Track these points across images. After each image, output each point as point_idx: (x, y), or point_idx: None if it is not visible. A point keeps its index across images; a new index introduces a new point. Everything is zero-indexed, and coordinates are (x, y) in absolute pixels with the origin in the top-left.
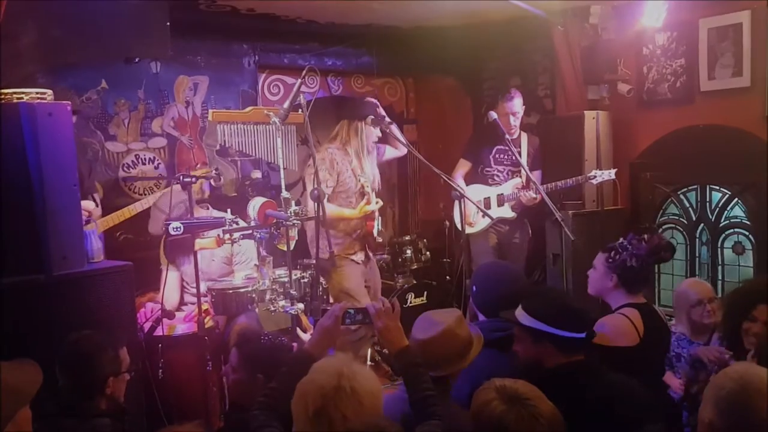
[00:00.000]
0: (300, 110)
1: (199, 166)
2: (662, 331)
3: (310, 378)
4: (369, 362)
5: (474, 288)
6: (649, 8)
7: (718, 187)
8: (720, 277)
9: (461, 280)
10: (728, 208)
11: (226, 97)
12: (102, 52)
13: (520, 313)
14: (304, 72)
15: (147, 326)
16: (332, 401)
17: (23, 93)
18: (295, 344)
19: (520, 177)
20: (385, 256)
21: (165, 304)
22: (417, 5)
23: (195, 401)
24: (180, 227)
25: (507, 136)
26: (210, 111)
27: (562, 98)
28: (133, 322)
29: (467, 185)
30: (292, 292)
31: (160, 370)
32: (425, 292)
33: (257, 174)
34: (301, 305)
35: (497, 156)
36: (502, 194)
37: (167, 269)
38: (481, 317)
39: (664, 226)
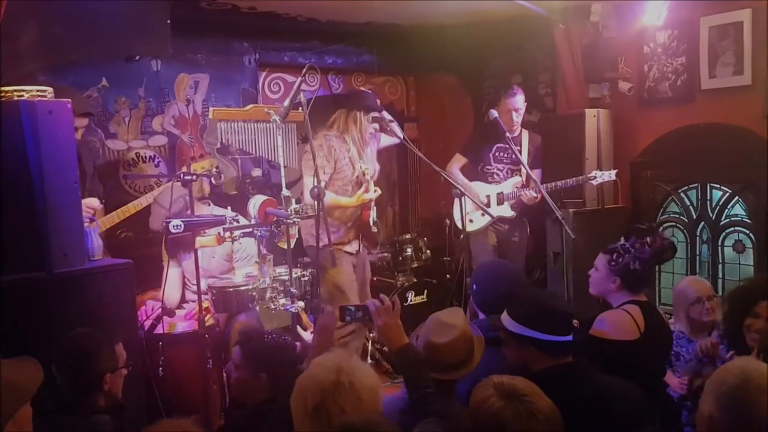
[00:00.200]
0: (300, 108)
1: (200, 156)
2: (663, 329)
3: (308, 373)
4: (369, 360)
5: (474, 286)
6: (650, 6)
7: (718, 186)
8: (720, 276)
9: (461, 279)
10: (729, 207)
11: (227, 95)
12: (103, 50)
13: (505, 318)
14: (305, 70)
15: (147, 324)
16: (331, 396)
17: (24, 91)
18: (298, 343)
19: (520, 175)
20: (386, 254)
21: (166, 301)
22: (418, 3)
23: (195, 399)
24: (181, 225)
25: (508, 134)
26: (210, 109)
27: (563, 96)
28: (134, 320)
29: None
30: (293, 290)
31: (161, 368)
32: (425, 291)
33: (258, 172)
34: (301, 303)
35: (497, 154)
36: (501, 193)
37: (168, 266)
38: (481, 316)
39: (664, 225)
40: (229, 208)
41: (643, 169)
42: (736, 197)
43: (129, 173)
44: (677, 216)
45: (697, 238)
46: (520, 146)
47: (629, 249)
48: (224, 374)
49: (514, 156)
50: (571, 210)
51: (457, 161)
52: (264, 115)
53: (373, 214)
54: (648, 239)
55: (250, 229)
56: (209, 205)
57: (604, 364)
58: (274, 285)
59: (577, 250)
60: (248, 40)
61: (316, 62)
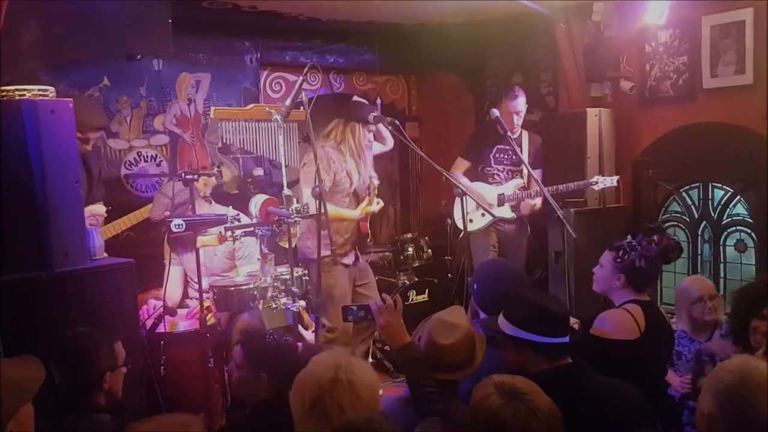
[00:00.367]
0: (302, 108)
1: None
2: (665, 330)
3: (307, 370)
4: (371, 359)
5: (475, 286)
6: (652, 5)
7: (720, 185)
8: (722, 275)
9: (463, 278)
10: (730, 206)
11: (228, 94)
12: (104, 50)
13: (501, 321)
14: (306, 69)
15: (149, 323)
16: (329, 393)
17: (25, 90)
18: (300, 343)
19: (521, 177)
20: (387, 253)
21: (168, 300)
22: (419, 3)
23: (197, 398)
24: (182, 224)
25: (509, 134)
26: (212, 108)
27: (565, 95)
28: (136, 319)
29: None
30: (294, 289)
31: (162, 367)
32: (427, 290)
33: (259, 171)
34: (302, 302)
35: (497, 155)
36: (502, 194)
37: (170, 264)
38: (482, 315)
39: (666, 224)
40: (230, 207)
41: (645, 168)
42: (738, 196)
43: (131, 172)
44: (679, 215)
45: (699, 237)
46: (520, 147)
47: (636, 246)
48: (226, 374)
49: (514, 157)
50: (572, 209)
51: (461, 165)
52: (265, 115)
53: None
54: (655, 237)
55: (252, 228)
56: (210, 202)
57: (604, 364)
58: (275, 284)
59: (578, 249)
60: (250, 40)
61: (317, 61)
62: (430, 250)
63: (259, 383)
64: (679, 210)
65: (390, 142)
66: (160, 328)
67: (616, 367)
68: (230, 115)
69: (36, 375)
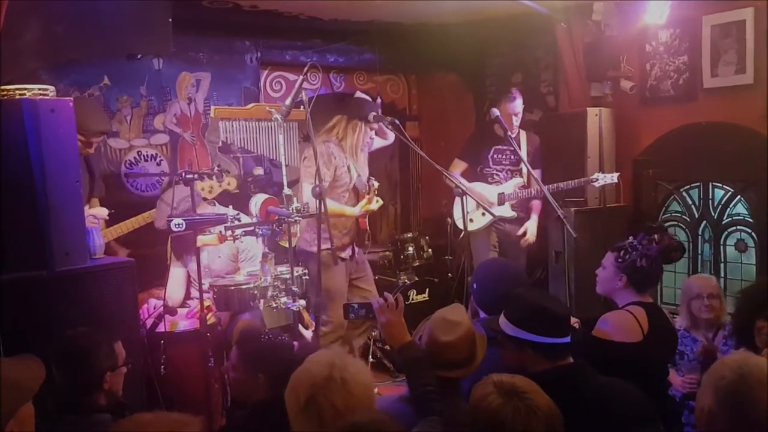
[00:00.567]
0: (302, 107)
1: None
2: (668, 331)
3: (302, 368)
4: (371, 359)
5: (475, 285)
6: (652, 5)
7: (720, 185)
8: (723, 275)
9: (463, 278)
10: (731, 206)
11: (229, 93)
12: (104, 49)
13: (502, 321)
14: (306, 69)
15: (149, 322)
16: (322, 390)
17: (26, 89)
18: (296, 343)
19: (521, 176)
20: (387, 252)
21: (169, 300)
22: (420, 2)
23: (197, 397)
24: (182, 224)
25: (510, 133)
26: (212, 108)
27: (565, 95)
28: (136, 319)
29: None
30: (294, 288)
31: (163, 367)
32: (427, 289)
33: (259, 171)
34: (302, 302)
35: (495, 156)
36: (502, 193)
37: (171, 265)
38: (482, 314)
39: (666, 224)
40: (230, 206)
41: (645, 167)
42: (738, 196)
43: (131, 171)
44: (679, 215)
45: (699, 237)
46: (519, 147)
47: (637, 246)
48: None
49: (513, 157)
50: (572, 209)
51: (458, 166)
52: (266, 114)
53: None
54: (656, 237)
55: (252, 228)
56: (214, 204)
57: (606, 366)
58: (275, 283)
59: (578, 249)
60: (250, 39)
61: (317, 61)
62: (430, 250)
63: (255, 383)
64: (680, 210)
65: (391, 137)
66: (161, 328)
67: (618, 369)
68: (230, 115)
69: (36, 374)
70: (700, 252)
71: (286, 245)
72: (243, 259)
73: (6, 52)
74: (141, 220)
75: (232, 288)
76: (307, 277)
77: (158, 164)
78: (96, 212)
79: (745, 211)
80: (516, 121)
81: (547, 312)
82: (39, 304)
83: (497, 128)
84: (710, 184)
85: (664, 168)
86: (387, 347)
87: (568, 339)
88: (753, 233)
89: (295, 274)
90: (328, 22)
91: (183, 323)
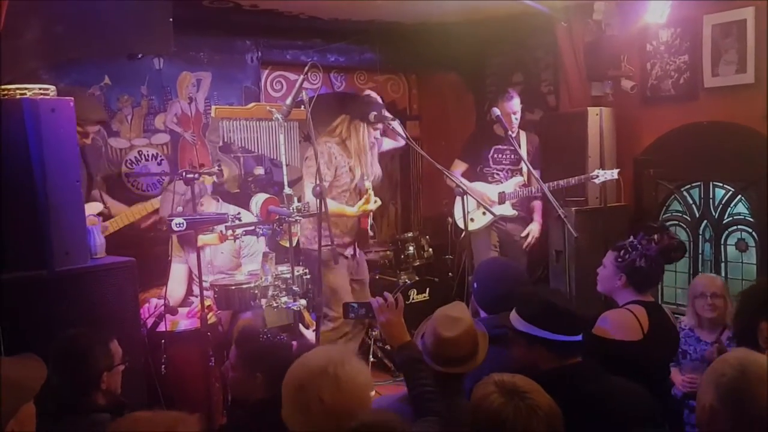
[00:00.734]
0: (302, 107)
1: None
2: (669, 330)
3: (301, 359)
4: (371, 358)
5: (475, 285)
6: (653, 4)
7: (721, 184)
8: (723, 275)
9: (464, 277)
10: (732, 205)
11: (229, 93)
12: (105, 49)
13: (514, 317)
14: (307, 68)
15: (150, 322)
16: (312, 381)
17: (26, 89)
18: (294, 342)
19: (521, 175)
20: (388, 252)
21: (170, 297)
22: (420, 2)
23: (198, 397)
24: (183, 223)
25: (510, 133)
26: (213, 107)
27: (566, 94)
28: (137, 318)
29: (471, 183)
30: (295, 288)
31: (163, 366)
32: (428, 289)
33: (260, 170)
34: (303, 301)
35: (495, 156)
36: (503, 192)
37: (172, 261)
38: (483, 314)
39: (667, 223)
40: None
41: (646, 167)
42: (739, 196)
43: (131, 171)
44: (680, 214)
45: (700, 236)
46: (519, 147)
47: (636, 246)
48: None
49: (513, 157)
50: (573, 208)
51: (458, 167)
52: (266, 114)
53: (369, 220)
54: (656, 236)
55: (252, 227)
56: (218, 200)
57: (606, 364)
58: (276, 283)
59: (579, 248)
60: (250, 38)
61: (318, 60)
62: (430, 249)
63: (254, 383)
64: (680, 209)
65: (402, 141)
66: (161, 327)
67: (617, 367)
68: (231, 114)
69: (37, 374)
70: (700, 251)
71: (287, 245)
72: (245, 255)
73: (6, 51)
74: (148, 206)
75: (233, 287)
76: (308, 276)
77: (159, 164)
78: (96, 208)
79: (746, 211)
80: (515, 120)
81: (561, 309)
82: (39, 303)
83: (497, 128)
84: (711, 183)
85: (665, 167)
86: (387, 347)
87: (579, 337)
88: (753, 233)
89: (296, 273)
90: (328, 22)
91: (184, 323)
